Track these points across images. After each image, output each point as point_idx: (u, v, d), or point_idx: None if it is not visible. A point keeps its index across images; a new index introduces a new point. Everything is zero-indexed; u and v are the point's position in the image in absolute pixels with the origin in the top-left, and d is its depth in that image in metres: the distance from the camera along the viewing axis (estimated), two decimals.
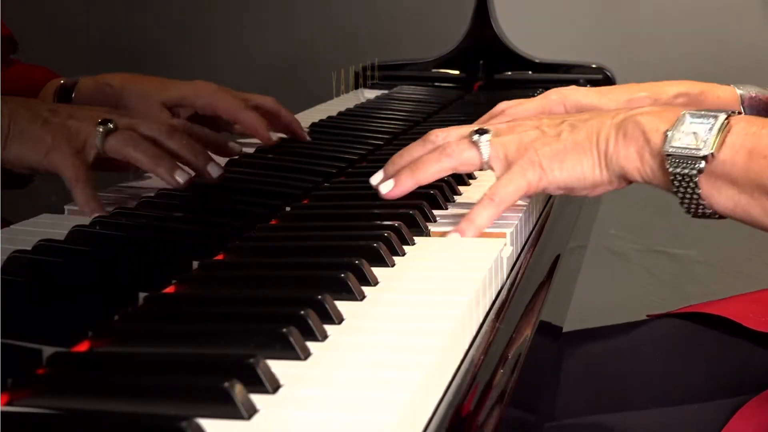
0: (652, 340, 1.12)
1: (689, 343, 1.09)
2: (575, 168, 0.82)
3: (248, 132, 1.11)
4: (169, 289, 0.68)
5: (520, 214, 0.85)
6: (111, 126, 0.86)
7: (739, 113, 0.78)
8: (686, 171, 0.76)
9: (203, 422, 0.47)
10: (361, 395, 0.51)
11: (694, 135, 0.76)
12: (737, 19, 2.12)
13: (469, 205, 0.91)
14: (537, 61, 1.73)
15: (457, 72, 1.73)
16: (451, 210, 0.89)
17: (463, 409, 0.56)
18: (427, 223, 0.83)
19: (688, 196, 0.77)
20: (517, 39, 1.73)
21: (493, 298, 0.72)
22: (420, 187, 0.88)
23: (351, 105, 1.45)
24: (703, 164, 0.75)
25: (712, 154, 0.75)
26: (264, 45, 1.37)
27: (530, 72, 1.72)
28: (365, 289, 0.67)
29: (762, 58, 2.07)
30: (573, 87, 1.11)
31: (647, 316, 1.17)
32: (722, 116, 0.76)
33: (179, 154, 0.90)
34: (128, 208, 0.86)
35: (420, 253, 0.77)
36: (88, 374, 0.55)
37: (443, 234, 0.82)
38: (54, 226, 0.80)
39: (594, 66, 1.71)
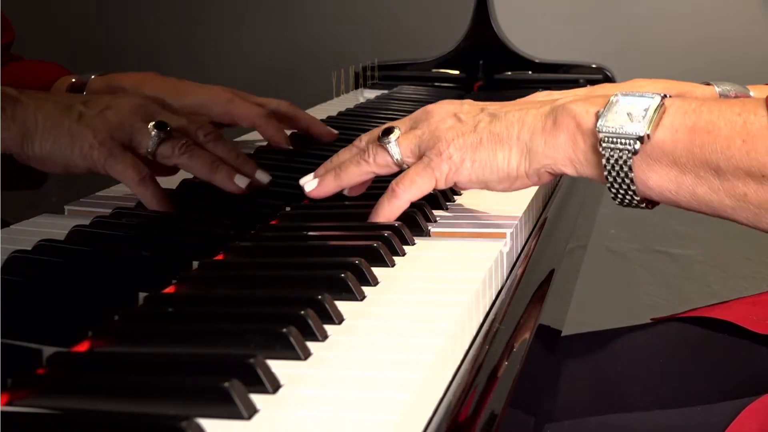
0: (654, 342, 1.12)
1: (691, 345, 1.09)
2: (489, 161, 0.78)
3: (267, 140, 1.10)
4: (169, 289, 0.68)
5: (520, 215, 0.85)
6: (165, 132, 0.84)
7: (670, 96, 0.74)
8: (619, 153, 0.72)
9: (203, 422, 0.47)
10: (361, 395, 0.51)
11: (628, 116, 0.72)
12: (737, 18, 2.12)
13: (469, 205, 0.91)
14: (537, 61, 1.73)
15: (457, 72, 1.73)
16: (452, 210, 0.89)
17: (463, 409, 0.56)
18: (427, 223, 0.83)
19: (619, 180, 0.73)
20: (517, 39, 1.73)
21: (493, 298, 0.72)
22: None
23: (351, 105, 1.45)
24: (638, 145, 0.71)
25: (647, 134, 0.71)
26: (264, 45, 1.37)
27: (530, 72, 1.72)
28: (365, 289, 0.67)
29: (762, 58, 2.07)
30: (545, 92, 1.10)
31: (651, 319, 1.17)
32: (657, 97, 0.73)
33: (228, 160, 0.88)
34: (128, 208, 0.86)
35: (420, 253, 0.77)
36: (88, 374, 0.55)
37: (443, 234, 0.82)
38: (54, 226, 0.80)
39: (594, 66, 1.71)
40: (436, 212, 0.87)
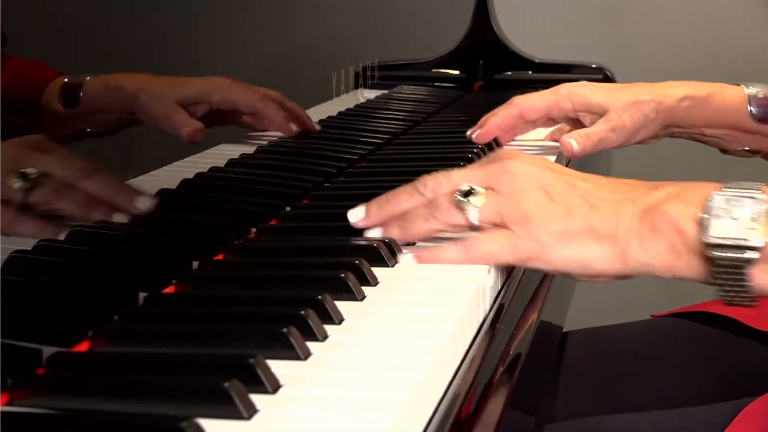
0: (655, 339, 1.12)
1: (692, 342, 1.09)
2: (582, 255, 0.71)
3: (267, 123, 1.11)
4: (169, 289, 0.68)
5: None
6: (31, 180, 0.78)
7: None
8: (734, 263, 0.67)
9: (203, 422, 0.47)
10: (361, 395, 0.51)
11: (734, 221, 0.67)
12: (738, 19, 2.12)
13: None
14: (537, 61, 1.73)
15: (457, 72, 1.73)
16: None
17: (463, 409, 0.56)
18: None
19: (731, 285, 0.68)
20: (517, 39, 1.73)
21: (494, 298, 0.72)
22: None
23: (351, 105, 1.45)
24: (756, 255, 0.66)
25: (766, 242, 0.66)
26: (264, 45, 1.37)
27: (530, 72, 1.72)
28: (365, 289, 0.67)
29: (762, 58, 2.07)
30: (583, 83, 1.12)
31: (651, 315, 1.17)
32: (760, 195, 0.67)
33: (105, 196, 0.82)
34: None
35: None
36: (88, 374, 0.55)
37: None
38: None
39: (594, 66, 1.71)
40: None
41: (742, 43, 2.10)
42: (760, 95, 1.07)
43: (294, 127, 1.14)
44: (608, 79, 1.68)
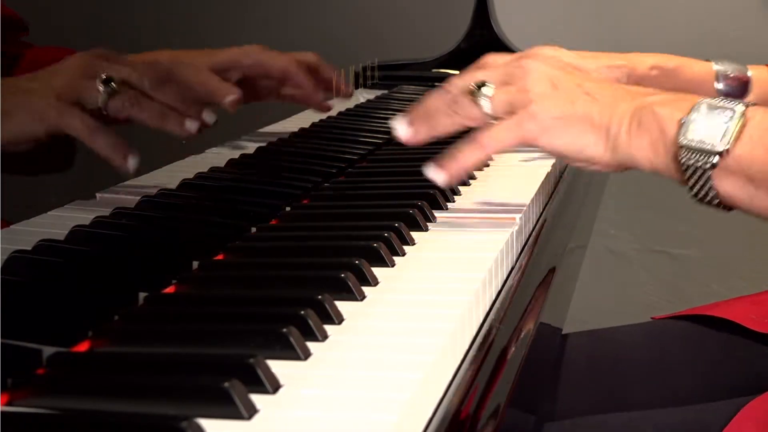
0: (654, 340, 1.12)
1: (691, 344, 1.09)
2: (578, 140, 0.79)
3: (300, 94, 1.10)
4: (169, 289, 0.68)
5: (520, 214, 0.85)
6: (111, 87, 0.84)
7: (755, 104, 0.75)
8: (699, 165, 0.73)
9: (203, 422, 0.47)
10: (361, 395, 0.51)
11: (709, 128, 0.73)
12: (737, 18, 2.12)
13: (469, 204, 0.91)
14: None
15: (457, 72, 1.72)
16: (451, 210, 0.89)
17: (463, 409, 0.56)
18: (428, 223, 0.83)
19: (699, 186, 0.74)
20: (517, 39, 1.73)
21: (493, 298, 0.72)
22: (420, 187, 0.88)
23: (351, 105, 1.45)
24: (717, 159, 0.72)
25: (727, 150, 0.72)
26: (264, 44, 1.36)
27: None
28: (365, 289, 0.67)
29: (762, 58, 2.07)
30: (555, 47, 1.09)
31: (651, 318, 1.17)
32: (740, 108, 0.73)
33: (176, 105, 0.88)
34: (128, 208, 0.86)
35: (420, 253, 0.77)
36: (88, 374, 0.55)
37: (443, 234, 0.82)
38: (54, 226, 0.80)
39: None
40: (436, 212, 0.87)
41: (742, 43, 2.10)
42: (730, 73, 1.07)
43: (325, 99, 1.12)
44: None
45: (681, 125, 0.74)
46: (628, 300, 2.21)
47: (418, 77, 1.73)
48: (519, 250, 0.83)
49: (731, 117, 0.73)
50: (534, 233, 0.89)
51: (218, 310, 0.64)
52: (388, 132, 1.24)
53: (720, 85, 1.07)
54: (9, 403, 0.51)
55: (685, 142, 0.73)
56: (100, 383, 0.52)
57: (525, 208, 0.87)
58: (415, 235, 0.80)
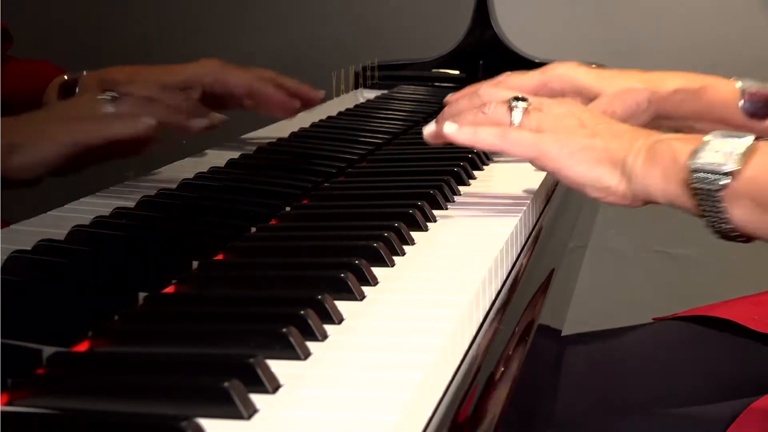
0: (655, 342, 1.12)
1: (692, 345, 1.09)
2: (595, 169, 0.81)
3: (266, 105, 1.10)
4: (169, 289, 0.68)
5: (520, 215, 0.85)
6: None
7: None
8: (709, 187, 0.75)
9: (203, 422, 0.47)
10: (361, 395, 0.51)
11: (720, 153, 0.75)
12: (738, 19, 2.12)
13: (468, 205, 0.91)
14: (537, 61, 1.72)
15: (457, 72, 1.73)
16: (451, 210, 0.89)
17: (462, 409, 0.56)
18: (428, 223, 0.83)
19: (712, 213, 0.76)
20: (517, 39, 1.73)
21: (493, 298, 0.72)
22: (420, 187, 0.88)
23: (351, 105, 1.45)
24: (727, 180, 0.74)
25: (736, 171, 0.74)
26: (264, 45, 1.37)
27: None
28: (365, 289, 0.67)
29: (762, 58, 2.07)
30: (574, 64, 1.10)
31: (653, 319, 1.17)
32: (750, 137, 0.76)
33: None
34: (128, 208, 0.86)
35: (420, 252, 0.77)
36: (88, 374, 0.55)
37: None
38: (54, 226, 0.80)
39: (594, 66, 1.71)
40: (435, 212, 0.87)
41: (742, 44, 2.10)
42: (753, 90, 1.06)
43: (295, 104, 1.12)
44: None
45: (692, 152, 0.76)
46: (628, 300, 2.21)
47: (418, 77, 1.73)
48: (519, 250, 0.83)
49: (741, 142, 0.75)
50: (534, 233, 0.89)
51: (218, 310, 0.64)
52: (389, 132, 1.24)
53: (745, 103, 1.07)
54: (9, 403, 0.51)
55: (694, 165, 0.75)
56: (100, 383, 0.52)
57: (525, 208, 0.87)
58: (415, 235, 0.80)
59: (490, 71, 1.72)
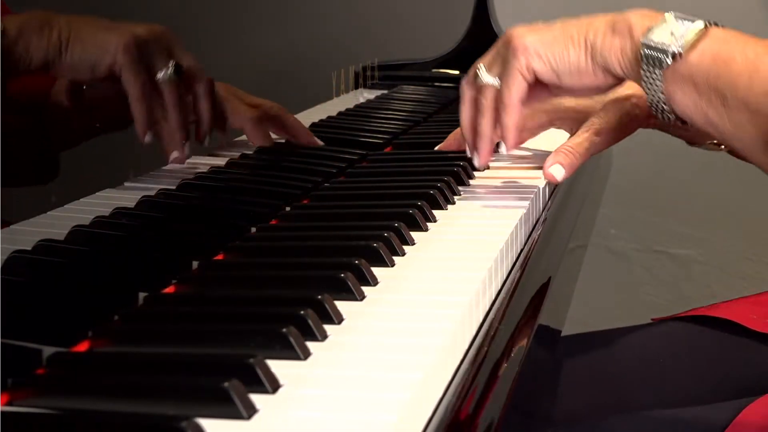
0: (654, 342, 1.12)
1: (692, 345, 1.09)
2: (563, 54, 0.87)
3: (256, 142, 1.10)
4: (169, 289, 0.68)
5: (520, 215, 0.85)
6: (180, 71, 0.94)
7: (723, 26, 0.81)
8: (654, 65, 0.80)
9: (203, 422, 0.47)
10: (361, 395, 0.51)
11: (671, 34, 0.80)
12: (737, 19, 2.12)
13: (468, 205, 0.91)
14: None
15: (457, 72, 1.73)
16: (451, 210, 0.89)
17: (462, 409, 0.56)
18: (428, 223, 0.83)
19: (652, 90, 0.80)
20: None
21: (493, 298, 0.72)
22: (420, 187, 0.88)
23: (351, 105, 1.45)
24: (669, 61, 0.79)
25: (680, 53, 0.79)
26: (264, 45, 1.37)
27: None
28: (365, 289, 0.67)
29: None
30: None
31: (652, 319, 1.17)
32: (701, 22, 0.80)
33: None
34: (128, 208, 0.86)
35: (420, 253, 0.77)
36: (88, 374, 0.55)
37: (443, 234, 0.82)
38: (54, 226, 0.80)
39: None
40: (435, 212, 0.87)
41: None
42: None
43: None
44: None
45: (648, 29, 0.81)
46: (628, 300, 2.21)
47: (418, 77, 1.73)
48: (519, 250, 0.83)
49: (692, 27, 0.80)
50: (534, 233, 0.89)
51: (218, 310, 0.64)
52: (389, 132, 1.25)
53: None
54: (9, 403, 0.51)
55: (646, 41, 0.80)
56: (100, 383, 0.52)
57: (525, 208, 0.87)
58: (415, 235, 0.80)
59: None
